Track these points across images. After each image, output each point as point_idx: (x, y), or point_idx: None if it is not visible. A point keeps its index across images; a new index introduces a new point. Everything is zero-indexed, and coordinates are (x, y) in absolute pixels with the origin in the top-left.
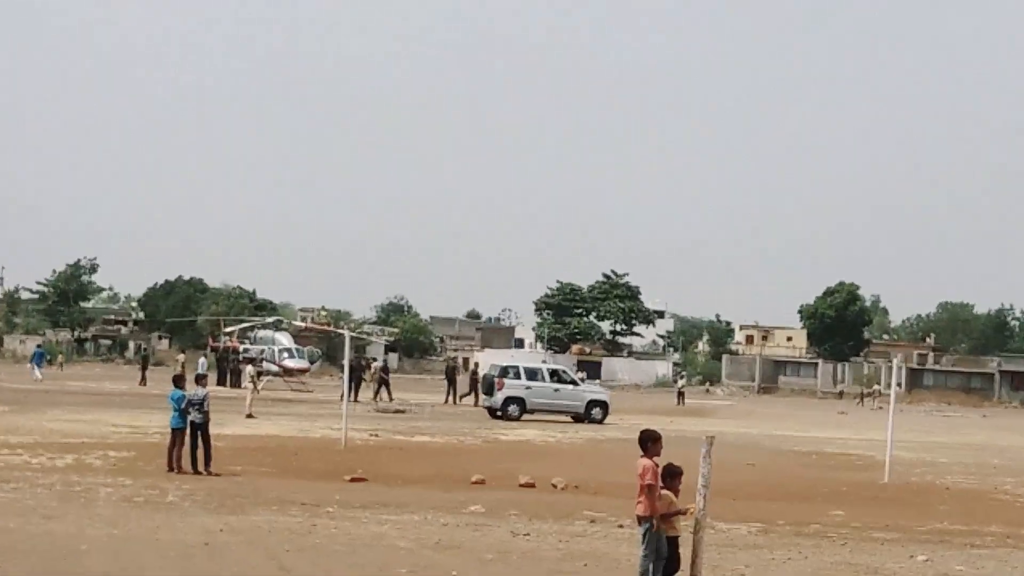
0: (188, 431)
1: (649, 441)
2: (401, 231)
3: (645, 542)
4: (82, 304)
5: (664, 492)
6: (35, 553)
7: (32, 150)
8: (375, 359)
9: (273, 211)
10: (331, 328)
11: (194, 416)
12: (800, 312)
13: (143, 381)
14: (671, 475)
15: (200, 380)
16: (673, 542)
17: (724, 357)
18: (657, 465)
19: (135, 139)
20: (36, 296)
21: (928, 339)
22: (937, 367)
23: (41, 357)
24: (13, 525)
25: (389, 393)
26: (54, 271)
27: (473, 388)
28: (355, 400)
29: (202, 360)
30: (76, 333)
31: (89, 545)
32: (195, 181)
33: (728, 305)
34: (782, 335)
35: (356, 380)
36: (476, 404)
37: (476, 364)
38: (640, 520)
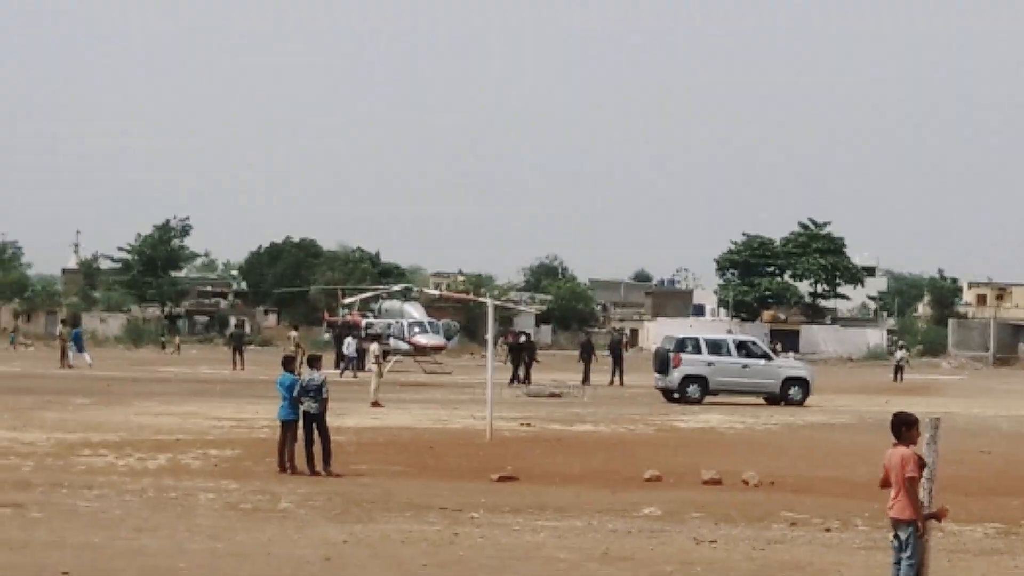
0: (302, 424)
1: (904, 426)
2: (553, 179)
3: (911, 548)
4: (173, 274)
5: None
6: (125, 572)
7: (111, 96)
8: (523, 332)
9: (397, 159)
10: (471, 296)
11: (309, 405)
12: None
13: (238, 365)
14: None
15: (314, 362)
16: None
17: (950, 322)
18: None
19: (230, 81)
20: (118, 265)
21: None
22: None
23: (79, 338)
24: (98, 540)
25: (528, 373)
26: (139, 235)
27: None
28: (527, 382)
29: (349, 340)
30: (167, 308)
31: (188, 562)
32: (303, 126)
33: (955, 259)
34: (1021, 293)
35: (527, 360)
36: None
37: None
38: (900, 523)
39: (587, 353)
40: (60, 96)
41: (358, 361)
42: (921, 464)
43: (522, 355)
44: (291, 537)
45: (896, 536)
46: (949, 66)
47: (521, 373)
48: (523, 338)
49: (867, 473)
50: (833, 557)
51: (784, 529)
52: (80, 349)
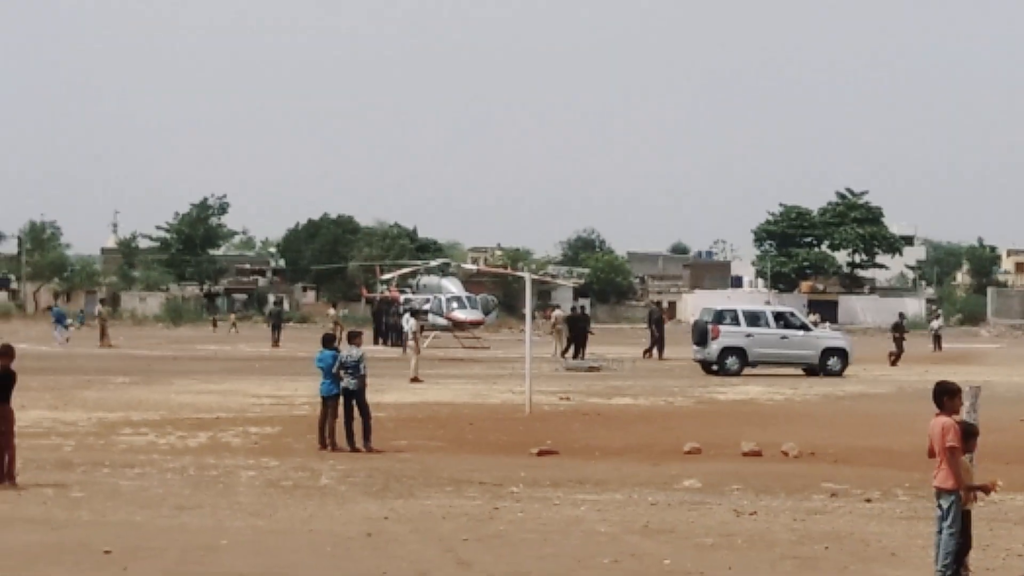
0: (342, 400)
1: (946, 395)
2: (590, 152)
3: (951, 517)
4: (211, 252)
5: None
6: (167, 550)
7: (148, 74)
8: (557, 306)
9: (434, 134)
10: (509, 271)
11: (348, 382)
12: None
13: (276, 342)
14: (966, 436)
15: (354, 338)
16: (966, 517)
17: (989, 290)
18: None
19: (266, 58)
20: (156, 244)
21: None
22: None
23: (63, 318)
24: (140, 518)
25: (584, 346)
26: (177, 213)
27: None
28: (582, 355)
29: (408, 317)
30: (206, 286)
31: (230, 539)
32: (339, 103)
33: (993, 227)
34: None
35: (582, 332)
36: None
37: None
38: (942, 493)
39: (656, 323)
40: (97, 76)
41: (394, 335)
42: (969, 432)
43: (577, 327)
44: (332, 513)
45: (939, 505)
46: (987, 33)
47: (575, 347)
48: (579, 310)
49: (907, 443)
50: (874, 527)
51: (824, 500)
52: (64, 327)
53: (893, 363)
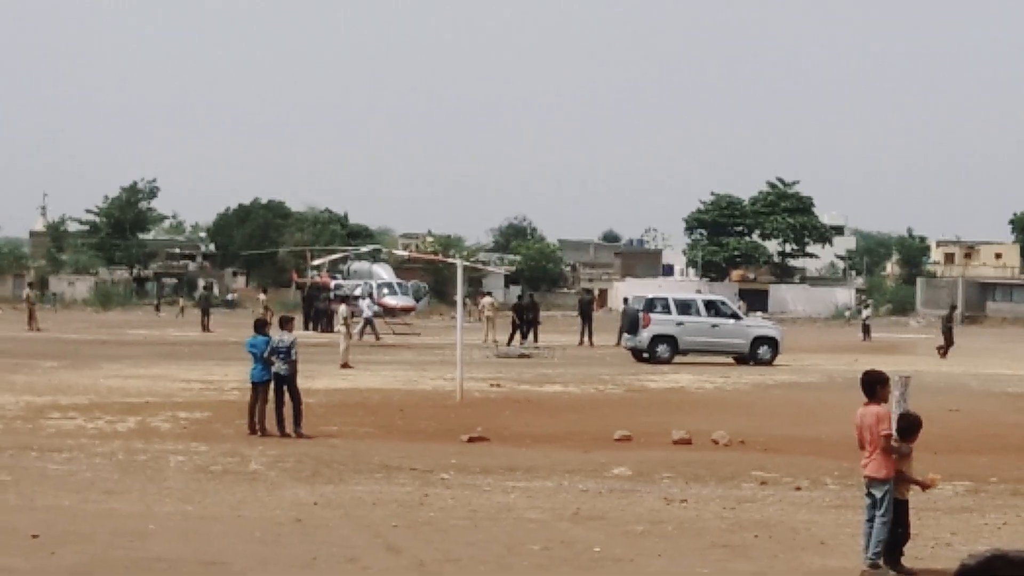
0: (273, 385)
1: (878, 384)
2: (520, 138)
3: (885, 506)
4: (141, 236)
5: (904, 446)
6: (95, 535)
7: (77, 57)
8: (488, 293)
9: (365, 119)
10: (440, 257)
11: (279, 367)
12: (1013, 223)
13: (206, 327)
14: (910, 427)
15: (286, 324)
16: (902, 507)
17: (918, 281)
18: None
19: (197, 40)
20: (86, 228)
21: None
22: None
23: None
24: (68, 503)
25: (535, 334)
26: (106, 197)
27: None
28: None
29: (369, 303)
30: (135, 271)
31: (158, 525)
32: (268, 85)
33: (922, 218)
34: (989, 252)
35: (530, 320)
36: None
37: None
38: (874, 482)
39: (586, 311)
40: (26, 59)
41: (325, 322)
42: (914, 425)
43: (524, 315)
44: (262, 499)
45: (869, 494)
46: (916, 23)
47: (521, 334)
48: (527, 299)
49: (837, 432)
50: (804, 516)
51: (754, 488)
52: None
53: (943, 355)
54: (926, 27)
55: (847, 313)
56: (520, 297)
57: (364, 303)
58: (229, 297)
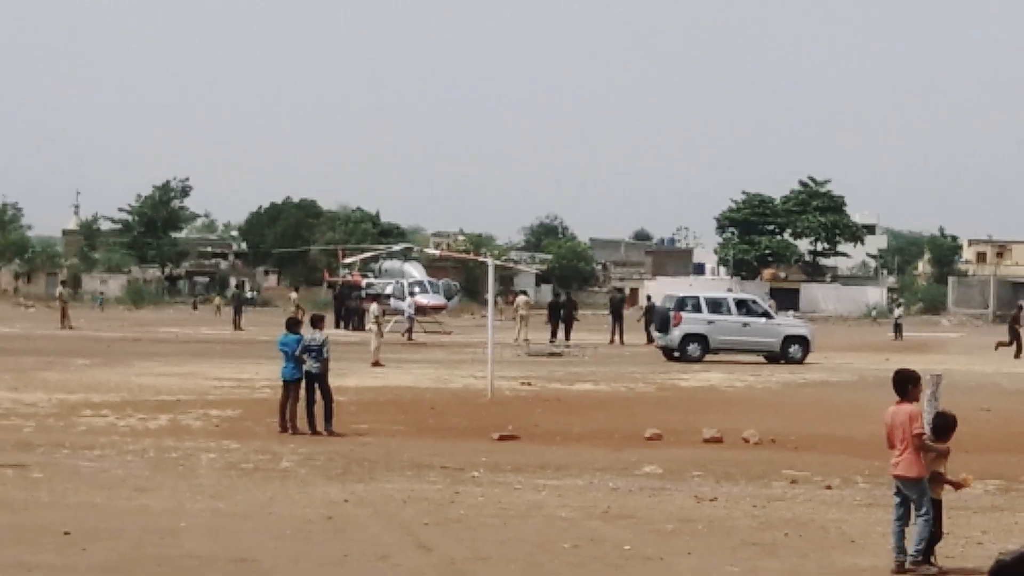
0: (304, 384)
1: (910, 383)
2: (552, 137)
3: (924, 506)
4: (173, 235)
5: (941, 445)
6: (126, 532)
7: (111, 56)
8: (523, 291)
9: (398, 119)
10: (471, 256)
11: (310, 365)
12: None
13: (237, 325)
14: (945, 427)
15: (317, 322)
16: (936, 506)
17: (950, 280)
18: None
19: (230, 41)
20: (118, 226)
21: None
22: None
23: None
24: (100, 500)
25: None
26: (139, 196)
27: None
28: (620, 341)
29: (411, 300)
30: (167, 269)
31: (189, 522)
32: (303, 86)
33: (954, 216)
34: (1021, 251)
35: (566, 318)
36: (648, 343)
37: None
38: (908, 482)
39: (617, 309)
40: (60, 57)
41: (356, 320)
42: (950, 424)
43: (560, 313)
44: (292, 497)
45: (899, 493)
46: (949, 21)
47: (561, 333)
48: (563, 297)
49: (868, 431)
50: (834, 514)
51: (785, 487)
52: None
53: (1017, 355)
54: (957, 26)
55: (873, 312)
56: (557, 295)
57: (405, 303)
58: (249, 295)
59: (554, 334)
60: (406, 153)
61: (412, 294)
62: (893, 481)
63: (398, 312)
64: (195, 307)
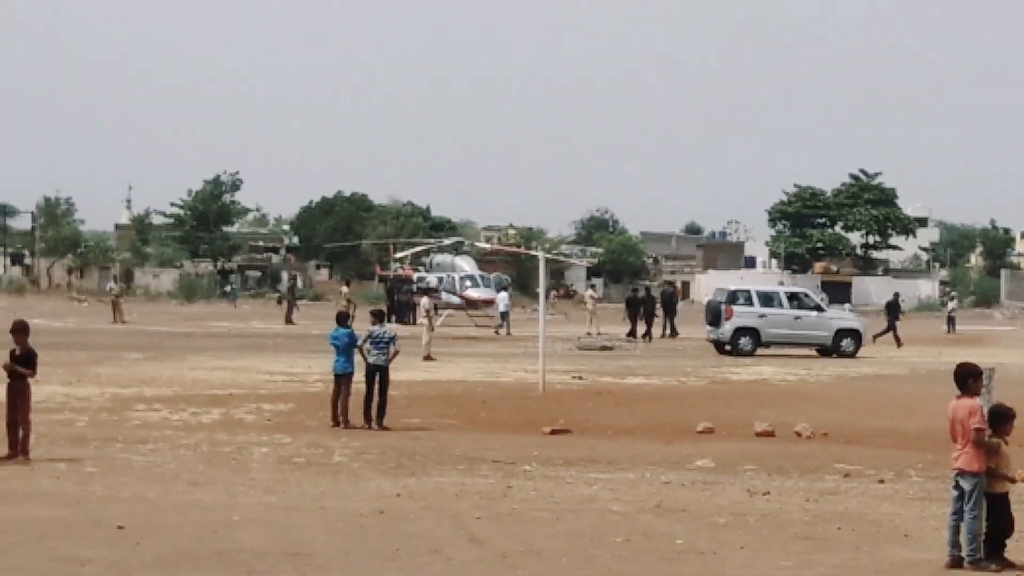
0: (366, 376)
1: (970, 377)
2: (602, 131)
3: (974, 500)
4: (225, 229)
5: (993, 440)
6: (180, 526)
7: (163, 51)
8: (644, 285)
9: (448, 113)
10: (522, 250)
11: (376, 358)
12: None
13: (289, 319)
14: (1002, 418)
15: (380, 317)
16: (1003, 500)
17: (1003, 272)
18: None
19: (281, 35)
20: (170, 220)
21: None
22: None
23: None
24: (153, 494)
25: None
26: (191, 190)
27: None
28: (648, 337)
29: (503, 296)
30: (219, 263)
31: (242, 516)
32: (354, 80)
33: (1007, 209)
34: None
35: (645, 314)
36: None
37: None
38: (964, 475)
39: (668, 303)
40: (111, 51)
41: (407, 313)
42: (1008, 415)
43: (639, 309)
44: (345, 491)
45: (957, 486)
46: (1003, 12)
47: (640, 329)
48: (642, 291)
49: (920, 424)
50: (887, 508)
51: (837, 480)
52: None
53: None
54: (1010, 17)
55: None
56: (635, 290)
57: (500, 297)
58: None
59: (633, 331)
60: (457, 147)
61: (504, 289)
62: (952, 474)
63: (450, 306)
64: (279, 302)
